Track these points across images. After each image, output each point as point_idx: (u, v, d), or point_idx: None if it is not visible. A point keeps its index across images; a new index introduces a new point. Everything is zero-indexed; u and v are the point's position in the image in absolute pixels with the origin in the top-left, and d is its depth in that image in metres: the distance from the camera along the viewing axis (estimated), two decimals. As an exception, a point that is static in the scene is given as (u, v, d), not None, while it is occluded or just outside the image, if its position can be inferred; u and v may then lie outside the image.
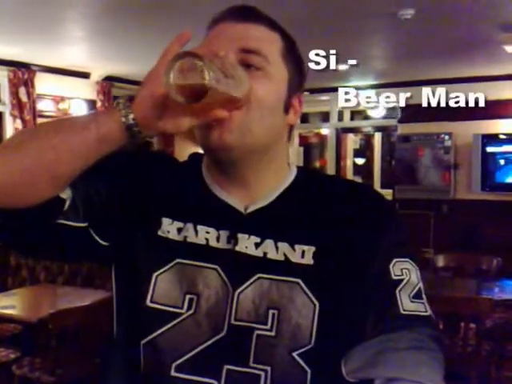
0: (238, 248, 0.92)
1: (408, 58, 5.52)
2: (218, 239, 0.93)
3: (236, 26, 0.90)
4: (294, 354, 0.89)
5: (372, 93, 7.17)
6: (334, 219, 0.94)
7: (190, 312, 0.90)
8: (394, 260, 0.93)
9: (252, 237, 0.92)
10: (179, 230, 0.93)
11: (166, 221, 0.94)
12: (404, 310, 0.90)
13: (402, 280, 0.92)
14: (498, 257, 3.90)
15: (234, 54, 0.88)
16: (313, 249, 0.92)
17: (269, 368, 0.89)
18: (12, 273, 4.55)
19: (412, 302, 0.91)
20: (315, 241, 0.92)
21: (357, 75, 6.57)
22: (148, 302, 0.91)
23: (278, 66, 0.92)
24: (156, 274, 0.91)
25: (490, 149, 6.35)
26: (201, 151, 1.00)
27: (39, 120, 5.61)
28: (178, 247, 0.92)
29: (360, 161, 9.36)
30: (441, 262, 4.15)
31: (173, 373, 0.89)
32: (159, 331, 0.90)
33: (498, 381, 3.40)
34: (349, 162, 9.11)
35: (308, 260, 0.91)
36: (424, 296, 0.93)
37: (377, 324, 0.90)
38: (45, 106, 5.82)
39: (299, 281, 0.90)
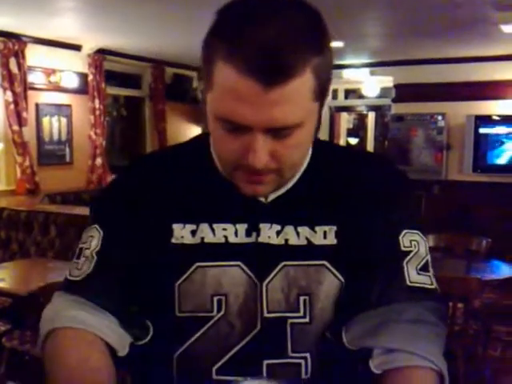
0: (260, 239, 0.90)
1: (403, 36, 5.48)
2: (236, 234, 0.90)
3: (263, 95, 0.76)
4: (329, 334, 0.90)
5: (366, 71, 7.17)
6: (352, 194, 0.93)
7: (221, 313, 0.90)
8: (404, 231, 0.92)
9: (274, 225, 0.91)
10: (193, 233, 0.91)
11: (176, 227, 0.91)
12: (410, 282, 0.90)
13: (410, 252, 0.91)
14: (487, 237, 3.92)
15: (262, 133, 0.80)
16: (334, 228, 0.91)
17: (308, 354, 0.90)
18: (2, 246, 4.54)
19: (419, 274, 0.91)
20: (336, 220, 0.91)
21: (351, 53, 6.52)
22: (177, 313, 0.90)
23: (311, 111, 0.83)
24: (178, 283, 0.90)
25: (482, 130, 6.35)
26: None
27: (30, 92, 5.54)
28: (195, 250, 0.90)
29: (353, 140, 9.35)
30: (430, 242, 4.17)
31: (215, 376, 0.89)
32: (193, 338, 0.90)
33: (484, 359, 3.44)
34: (342, 142, 9.10)
35: (331, 240, 0.91)
36: (431, 269, 0.93)
37: (382, 294, 0.90)
38: (36, 78, 5.73)
39: (325, 262, 0.90)
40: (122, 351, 0.90)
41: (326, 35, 0.82)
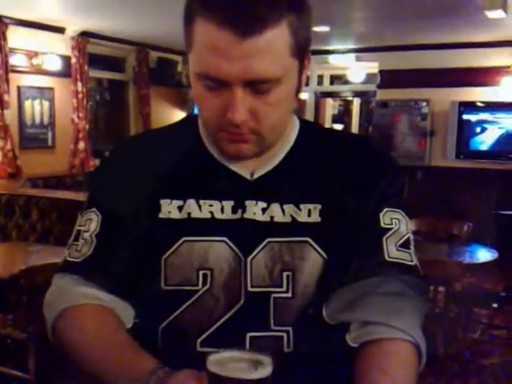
0: (246, 215, 0.91)
1: (388, 22, 5.46)
2: (222, 210, 0.92)
3: (239, 45, 0.78)
4: (311, 310, 0.92)
5: (351, 57, 7.15)
6: (337, 173, 0.95)
7: (206, 287, 0.91)
8: (385, 209, 0.94)
9: (259, 202, 0.92)
10: (180, 208, 0.93)
11: (164, 202, 0.93)
12: (389, 257, 0.91)
13: (390, 229, 0.93)
14: (469, 222, 3.95)
15: (241, 88, 0.81)
16: (319, 206, 0.93)
17: (290, 328, 0.92)
18: (-17, 230, 4.49)
19: (398, 250, 0.92)
20: (321, 198, 0.93)
21: (337, 38, 6.50)
22: (163, 286, 0.92)
23: (289, 68, 0.84)
24: (164, 257, 0.91)
25: (466, 116, 6.38)
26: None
27: (12, 75, 5.46)
28: (182, 225, 0.92)
29: (338, 127, 9.35)
30: (413, 226, 4.19)
31: (199, 348, 0.91)
32: (178, 311, 0.92)
33: (463, 342, 3.49)
34: (327, 127, 9.08)
35: (315, 218, 0.92)
36: (412, 247, 0.94)
37: (361, 269, 0.91)
38: (18, 60, 5.64)
39: (308, 239, 0.92)
40: (128, 324, 0.94)
41: None
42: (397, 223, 0.93)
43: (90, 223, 0.96)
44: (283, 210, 0.92)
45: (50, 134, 6.04)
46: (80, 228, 0.97)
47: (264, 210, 0.92)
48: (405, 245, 0.93)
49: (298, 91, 0.90)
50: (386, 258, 0.91)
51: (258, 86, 0.82)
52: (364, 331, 0.86)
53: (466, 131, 6.39)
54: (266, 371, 0.71)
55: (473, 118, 6.38)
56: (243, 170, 0.94)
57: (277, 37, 0.80)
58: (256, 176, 0.94)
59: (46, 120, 5.97)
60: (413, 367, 0.85)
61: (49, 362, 2.90)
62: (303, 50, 0.86)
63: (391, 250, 0.91)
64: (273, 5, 0.79)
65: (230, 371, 0.70)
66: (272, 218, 0.92)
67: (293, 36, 0.82)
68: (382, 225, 0.93)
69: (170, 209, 0.93)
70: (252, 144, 0.88)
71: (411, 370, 0.84)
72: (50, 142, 6.05)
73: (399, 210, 0.95)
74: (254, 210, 0.92)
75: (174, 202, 0.93)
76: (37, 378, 2.92)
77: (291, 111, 0.94)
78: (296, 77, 0.87)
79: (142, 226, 0.93)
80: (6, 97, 5.38)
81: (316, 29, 5.53)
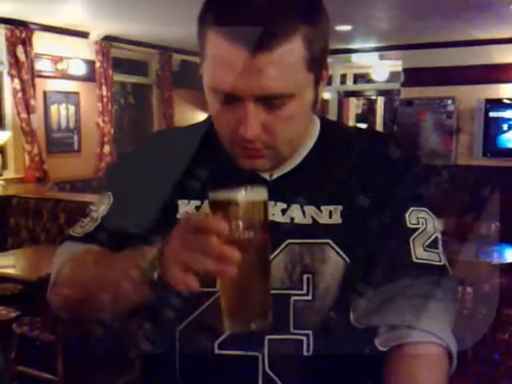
0: None
1: (412, 19, 5.41)
2: None
3: (251, 61, 0.77)
4: (332, 313, 0.90)
5: (375, 55, 7.10)
6: (358, 174, 0.93)
7: None
8: (411, 209, 0.92)
9: (278, 203, 0.91)
10: (197, 209, 0.92)
11: (181, 203, 0.93)
12: (416, 259, 0.89)
13: (417, 229, 0.91)
14: (497, 222, 3.89)
15: (253, 103, 0.80)
16: (340, 208, 0.91)
17: (310, 331, 0.90)
18: (11, 234, 4.56)
19: (426, 250, 0.90)
20: (341, 199, 0.92)
21: (360, 37, 6.46)
22: None
23: (303, 83, 0.83)
24: None
25: (493, 114, 6.29)
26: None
27: (37, 80, 5.55)
28: None
29: (362, 126, 9.29)
30: (440, 226, 4.14)
31: (216, 351, 0.90)
32: (196, 312, 0.91)
33: (493, 343, 3.44)
34: (350, 127, 9.02)
35: (336, 219, 0.91)
36: (440, 246, 0.92)
37: (388, 271, 0.89)
38: (43, 65, 5.73)
39: (329, 241, 0.90)
40: None
41: (319, 6, 0.83)
42: (423, 222, 0.91)
43: (101, 205, 0.98)
44: (303, 212, 0.91)
45: (75, 138, 6.12)
46: (92, 207, 1.00)
47: (284, 211, 0.91)
48: (432, 245, 0.91)
49: (315, 102, 0.88)
50: (414, 259, 0.89)
51: (270, 100, 0.80)
52: (393, 335, 0.85)
53: (492, 129, 6.29)
54: (262, 195, 0.76)
55: (500, 115, 6.28)
56: None
57: (290, 51, 0.78)
58: (275, 176, 0.93)
59: (71, 124, 6.06)
60: (443, 371, 0.84)
61: (77, 364, 2.94)
62: (319, 62, 0.84)
63: (418, 251, 0.89)
64: (286, 17, 0.77)
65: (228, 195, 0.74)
66: (292, 219, 0.91)
67: (308, 49, 0.79)
68: (409, 225, 0.91)
69: (187, 209, 0.92)
70: (267, 159, 0.87)
71: (442, 374, 0.84)
72: (75, 146, 6.13)
73: (425, 209, 0.93)
74: (273, 211, 0.90)
75: (192, 202, 0.93)
76: (65, 380, 2.96)
77: (308, 123, 0.92)
78: (312, 90, 0.85)
79: (158, 224, 0.92)
80: (32, 102, 5.47)
81: (338, 28, 5.50)
